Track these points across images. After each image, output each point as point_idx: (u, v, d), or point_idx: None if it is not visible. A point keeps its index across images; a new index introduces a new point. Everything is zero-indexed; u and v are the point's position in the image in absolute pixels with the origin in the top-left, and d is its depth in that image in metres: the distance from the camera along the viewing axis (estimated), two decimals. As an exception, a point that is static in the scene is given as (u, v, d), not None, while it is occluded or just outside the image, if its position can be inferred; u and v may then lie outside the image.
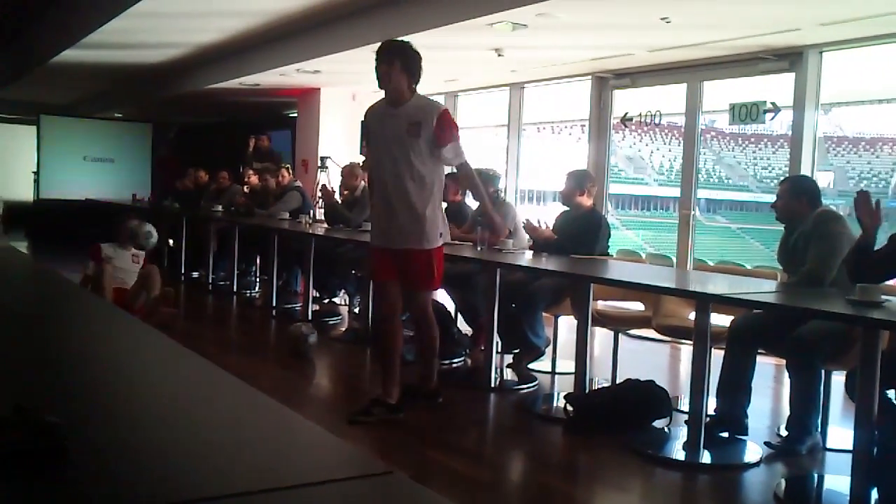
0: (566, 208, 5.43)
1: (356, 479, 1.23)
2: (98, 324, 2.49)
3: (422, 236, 4.14)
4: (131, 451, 1.29)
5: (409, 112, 4.08)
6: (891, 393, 3.29)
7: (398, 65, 4.03)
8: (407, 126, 4.07)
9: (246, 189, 9.47)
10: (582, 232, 5.17)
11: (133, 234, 6.61)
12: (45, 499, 1.07)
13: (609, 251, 5.36)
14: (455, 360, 5.63)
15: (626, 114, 8.27)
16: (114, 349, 2.14)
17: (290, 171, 8.90)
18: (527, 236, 5.92)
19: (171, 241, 10.13)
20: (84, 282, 6.35)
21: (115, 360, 2.01)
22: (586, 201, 5.28)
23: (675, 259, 7.31)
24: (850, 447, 3.19)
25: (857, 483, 3.12)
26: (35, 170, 14.85)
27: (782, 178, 4.69)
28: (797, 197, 4.12)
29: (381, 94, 4.16)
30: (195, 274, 9.46)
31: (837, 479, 3.52)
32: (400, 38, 4.24)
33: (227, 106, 12.75)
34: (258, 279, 8.98)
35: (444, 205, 5.64)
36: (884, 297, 3.19)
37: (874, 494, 3.14)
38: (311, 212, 8.52)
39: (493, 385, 4.97)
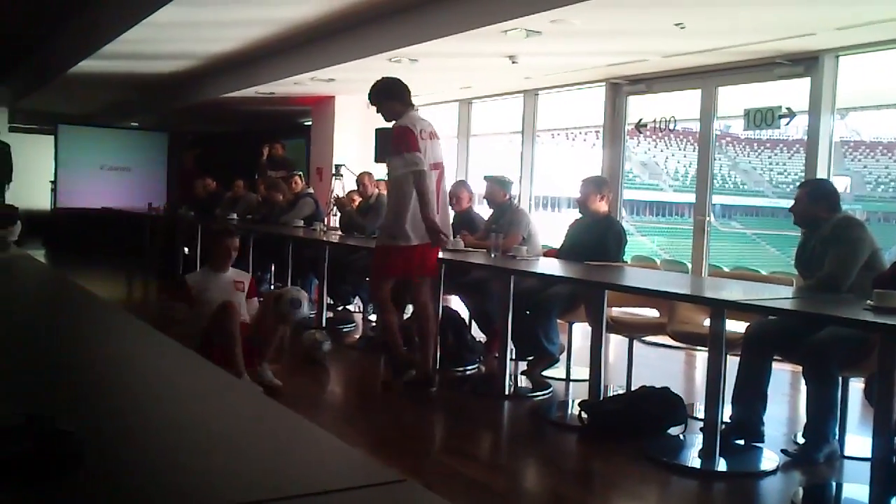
0: (580, 215, 5.42)
1: (369, 487, 1.23)
2: (113, 332, 2.50)
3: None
4: (146, 459, 1.29)
5: None
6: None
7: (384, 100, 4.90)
8: None
9: (260, 198, 9.51)
10: (599, 239, 5.16)
11: (280, 303, 4.80)
12: (59, 507, 1.07)
13: (624, 258, 5.35)
14: (469, 367, 5.63)
15: (641, 120, 8.26)
16: (128, 357, 2.14)
17: (303, 179, 8.93)
18: (539, 243, 5.93)
19: (186, 250, 10.19)
20: (179, 327, 4.79)
21: (130, 367, 2.02)
22: (602, 207, 5.27)
23: (690, 265, 7.28)
24: (869, 455, 3.16)
25: (876, 492, 3.09)
26: (52, 179, 14.98)
27: (801, 182, 4.66)
28: (815, 201, 4.09)
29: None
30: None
31: (856, 488, 3.49)
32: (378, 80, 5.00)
33: (243, 115, 12.82)
34: (273, 287, 9.01)
35: (452, 213, 5.94)
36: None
37: (893, 503, 3.11)
38: (325, 219, 8.54)
39: (507, 392, 4.96)
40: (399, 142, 4.73)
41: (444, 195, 5.01)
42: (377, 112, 5.00)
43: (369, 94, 4.98)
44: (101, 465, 1.19)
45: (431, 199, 4.70)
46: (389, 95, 4.89)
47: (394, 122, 4.87)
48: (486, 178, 6.22)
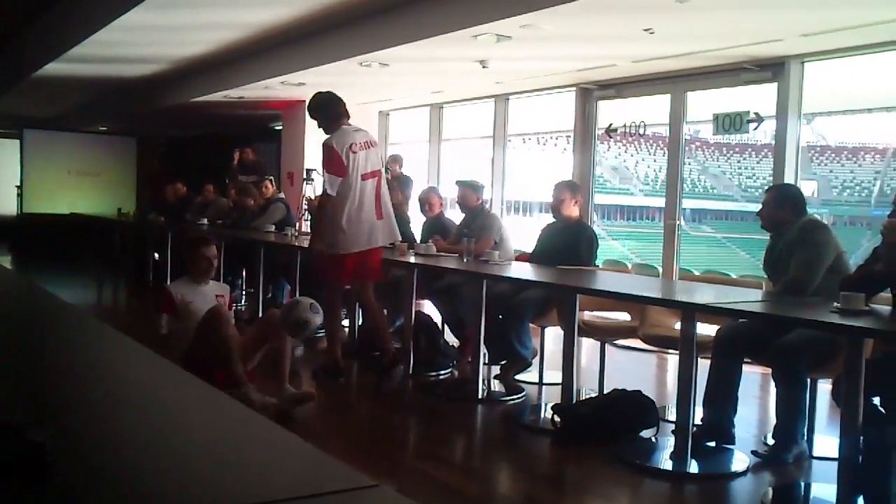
0: (553, 220, 5.45)
1: (342, 492, 1.23)
2: (85, 339, 2.47)
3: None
4: (119, 469, 1.28)
5: None
6: (876, 400, 3.31)
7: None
8: None
9: (231, 203, 9.45)
10: (571, 243, 5.19)
11: (292, 322, 4.34)
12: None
13: (596, 262, 5.38)
14: (442, 372, 5.63)
15: (611, 124, 8.31)
16: (101, 365, 2.12)
17: (274, 183, 8.88)
18: (511, 247, 5.95)
19: (156, 255, 10.10)
20: (164, 342, 4.37)
21: (102, 375, 2.00)
22: (575, 211, 5.32)
23: (660, 269, 7.33)
24: (837, 455, 3.21)
25: (844, 491, 3.13)
26: (18, 184, 14.78)
27: (767, 187, 4.72)
28: (782, 205, 4.14)
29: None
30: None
31: (824, 488, 3.53)
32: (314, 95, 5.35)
33: (213, 119, 12.73)
34: (244, 292, 8.95)
35: (423, 219, 6.05)
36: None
37: (860, 502, 3.15)
38: (297, 224, 8.50)
39: (480, 396, 4.97)
40: (323, 160, 5.15)
41: (385, 200, 5.26)
42: (318, 127, 5.32)
43: (308, 112, 5.40)
44: (71, 475, 1.18)
45: (322, 226, 5.23)
46: (321, 113, 5.26)
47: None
48: (458, 182, 6.23)
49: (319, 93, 5.34)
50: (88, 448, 1.36)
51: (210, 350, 4.11)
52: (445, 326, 6.04)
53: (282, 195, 8.92)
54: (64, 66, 9.61)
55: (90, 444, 1.39)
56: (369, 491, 1.20)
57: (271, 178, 9.03)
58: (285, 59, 8.47)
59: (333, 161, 5.06)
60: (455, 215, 6.61)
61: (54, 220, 13.49)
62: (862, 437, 3.10)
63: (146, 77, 10.69)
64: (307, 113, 5.39)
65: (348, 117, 5.25)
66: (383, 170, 5.41)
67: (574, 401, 4.48)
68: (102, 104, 13.25)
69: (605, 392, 4.70)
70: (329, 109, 5.21)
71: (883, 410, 3.30)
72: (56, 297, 3.23)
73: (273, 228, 8.12)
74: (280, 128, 12.01)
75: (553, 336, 5.58)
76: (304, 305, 4.34)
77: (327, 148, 5.12)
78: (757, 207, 4.35)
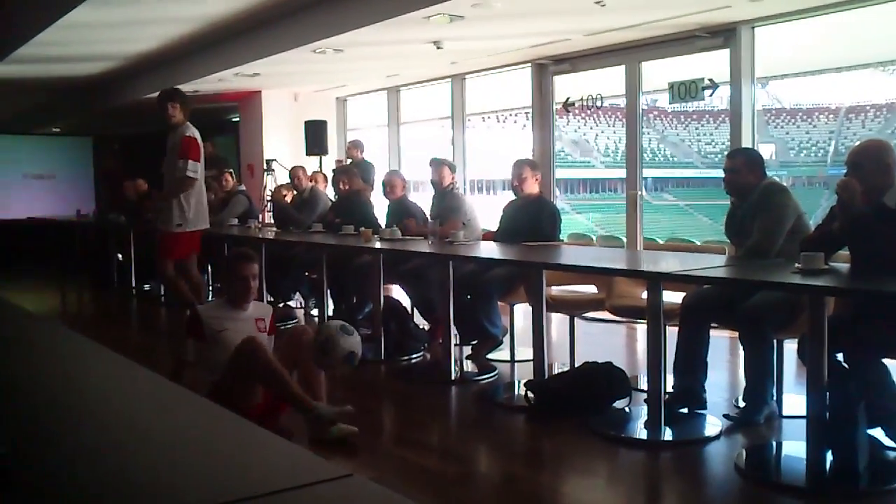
0: (514, 197, 5.46)
1: (317, 484, 1.22)
2: (46, 346, 2.43)
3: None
4: (81, 474, 1.26)
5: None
6: (840, 356, 3.37)
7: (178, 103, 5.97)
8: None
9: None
10: (534, 220, 5.20)
11: (325, 348, 3.74)
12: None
13: (561, 237, 5.41)
14: (414, 356, 5.63)
15: (568, 98, 8.34)
16: (63, 370, 2.09)
17: (234, 176, 8.79)
18: (479, 227, 5.96)
19: (120, 256, 9.97)
20: (177, 370, 3.87)
21: (65, 381, 1.97)
22: (535, 188, 5.34)
23: (625, 239, 7.39)
24: (805, 413, 3.26)
25: (813, 448, 3.19)
26: (-30, 190, 14.50)
27: (731, 152, 4.68)
28: (752, 169, 4.14)
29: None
30: (146, 286, 9.32)
31: (795, 445, 3.59)
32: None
33: (168, 114, 12.54)
34: (211, 288, 8.87)
35: (386, 202, 6.04)
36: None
37: (829, 457, 3.21)
38: (260, 216, 8.44)
39: (453, 378, 4.98)
40: (189, 150, 5.92)
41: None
42: (160, 111, 5.93)
43: (160, 95, 5.98)
44: (34, 485, 1.16)
45: (173, 206, 5.99)
46: (184, 104, 5.98)
47: (177, 126, 5.96)
48: (432, 161, 6.16)
49: (177, 87, 6.18)
50: (52, 457, 1.34)
51: (263, 380, 3.64)
52: (415, 310, 6.04)
53: (243, 187, 8.83)
54: (11, 67, 9.41)
55: (54, 452, 1.37)
56: (344, 481, 1.20)
57: (231, 170, 8.93)
58: (238, 50, 8.38)
59: (199, 150, 5.95)
60: (418, 197, 6.60)
61: (11, 226, 13.23)
62: (828, 394, 3.16)
63: (97, 75, 10.52)
64: (163, 100, 5.89)
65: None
66: None
67: (546, 376, 4.51)
68: (54, 105, 13.02)
69: (576, 365, 4.73)
70: (189, 103, 6.00)
71: (847, 366, 3.36)
72: (16, 306, 3.18)
73: (236, 221, 8.05)
74: (237, 119, 11.88)
75: (522, 313, 5.61)
76: (335, 335, 3.74)
77: (194, 139, 5.94)
78: (717, 173, 4.36)
